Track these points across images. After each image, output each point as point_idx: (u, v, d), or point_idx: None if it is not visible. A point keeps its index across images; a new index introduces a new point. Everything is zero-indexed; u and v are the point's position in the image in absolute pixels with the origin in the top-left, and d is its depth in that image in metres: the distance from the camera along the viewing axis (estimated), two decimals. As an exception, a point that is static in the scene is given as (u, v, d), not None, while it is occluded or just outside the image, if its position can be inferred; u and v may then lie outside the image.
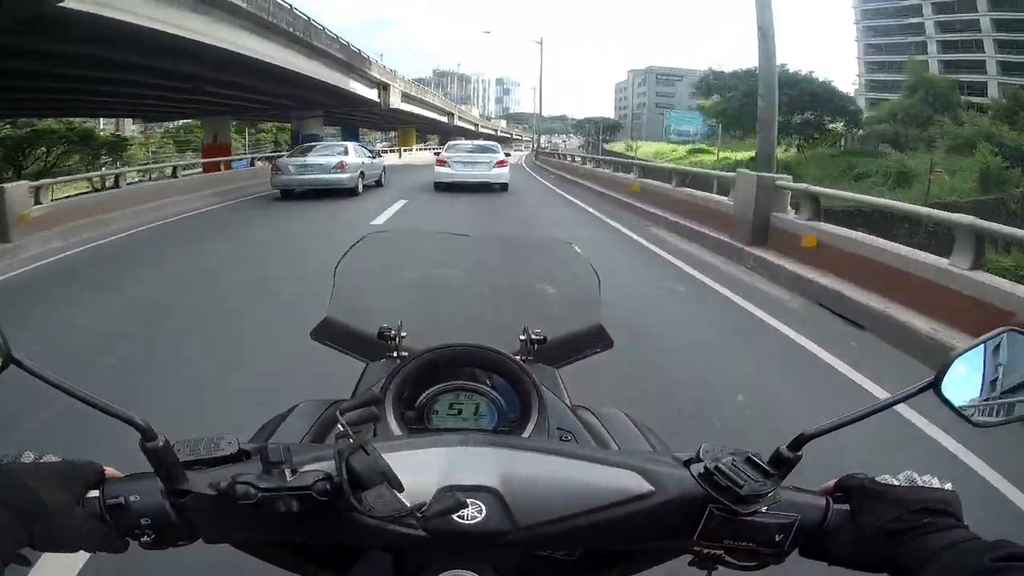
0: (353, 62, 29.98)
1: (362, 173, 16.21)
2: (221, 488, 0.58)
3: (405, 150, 48.16)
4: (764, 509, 0.63)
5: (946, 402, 0.67)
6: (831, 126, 45.43)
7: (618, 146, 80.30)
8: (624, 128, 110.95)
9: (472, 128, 73.90)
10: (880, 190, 27.23)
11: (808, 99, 42.66)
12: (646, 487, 0.64)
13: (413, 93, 45.78)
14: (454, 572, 0.65)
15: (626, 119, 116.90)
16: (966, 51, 47.30)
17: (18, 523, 0.58)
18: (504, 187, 17.21)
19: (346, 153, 16.00)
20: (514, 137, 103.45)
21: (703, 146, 65.60)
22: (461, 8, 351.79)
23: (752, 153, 47.95)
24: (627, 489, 0.64)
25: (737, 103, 44.74)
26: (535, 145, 59.21)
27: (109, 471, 0.66)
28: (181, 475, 0.61)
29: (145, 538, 0.63)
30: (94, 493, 0.63)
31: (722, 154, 52.61)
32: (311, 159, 15.61)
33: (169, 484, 0.61)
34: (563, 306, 1.60)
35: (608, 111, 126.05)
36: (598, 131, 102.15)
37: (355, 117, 46.95)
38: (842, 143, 46.32)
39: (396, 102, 37.68)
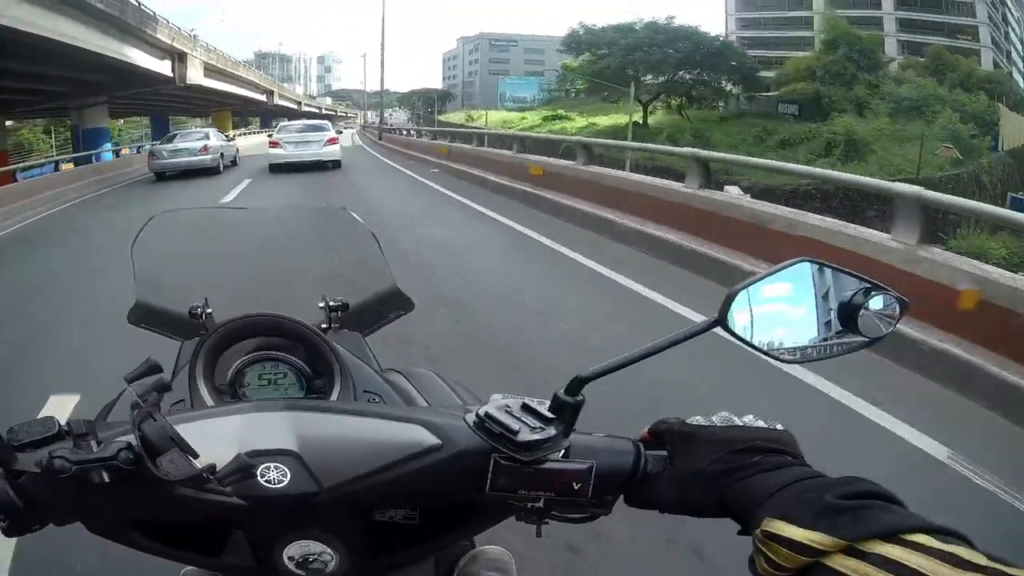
0: (129, 19, 20.49)
1: (221, 154, 18.70)
2: (43, 464, 0.60)
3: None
4: (560, 455, 0.64)
5: (739, 338, 0.63)
6: (725, 86, 41.37)
7: (455, 116, 73.02)
8: (455, 98, 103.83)
9: (295, 107, 67.60)
10: (825, 162, 22.37)
11: (701, 56, 38.35)
12: (433, 440, 0.65)
13: (220, 66, 35.94)
14: (300, 543, 0.69)
15: (457, 89, 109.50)
16: (859, 6, 44.09)
17: None
18: (337, 164, 17.39)
19: (208, 138, 18.60)
20: (339, 114, 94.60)
21: (560, 111, 58.69)
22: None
23: (629, 118, 42.69)
24: (417, 443, 0.65)
25: (619, 59, 39.33)
26: (365, 121, 59.32)
27: None
28: (13, 457, 0.62)
29: (1, 524, 0.64)
30: None
31: (587, 120, 47.26)
32: (179, 145, 18.09)
33: (4, 467, 0.62)
34: (356, 272, 1.64)
35: (434, 82, 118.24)
36: (431, 102, 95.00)
37: (149, 101, 36.67)
38: (722, 105, 41.95)
39: (197, 77, 28.98)
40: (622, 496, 0.66)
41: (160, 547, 0.73)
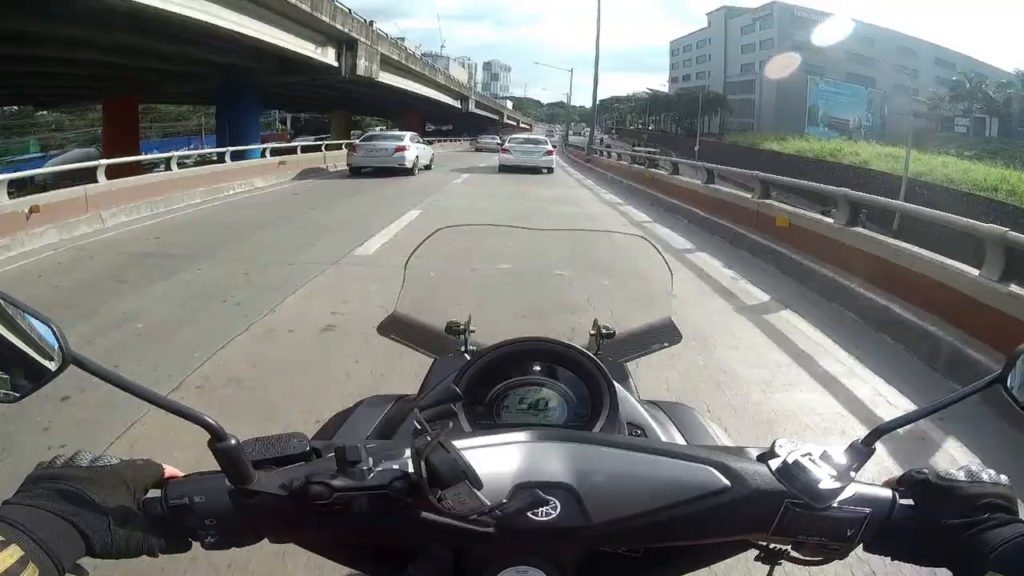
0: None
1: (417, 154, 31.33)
2: (294, 488, 0.62)
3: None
4: (835, 503, 0.70)
5: (1011, 396, 0.73)
6: None
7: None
8: (726, 106, 72.36)
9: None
10: None
11: None
12: (723, 482, 0.70)
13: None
14: (517, 568, 0.71)
15: (707, 89, 75.92)
16: None
17: (76, 534, 0.60)
18: (550, 170, 26.64)
19: (403, 139, 27.08)
20: (506, 120, 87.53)
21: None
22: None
23: None
24: (704, 484, 0.70)
25: None
26: (566, 139, 59.82)
27: (169, 470, 0.71)
28: (250, 475, 0.65)
29: (209, 539, 0.67)
30: (154, 494, 0.68)
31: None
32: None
33: (238, 484, 0.65)
34: (634, 301, 1.76)
35: (627, 90, 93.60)
36: (691, 112, 68.91)
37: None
38: None
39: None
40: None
41: (352, 558, 0.77)
